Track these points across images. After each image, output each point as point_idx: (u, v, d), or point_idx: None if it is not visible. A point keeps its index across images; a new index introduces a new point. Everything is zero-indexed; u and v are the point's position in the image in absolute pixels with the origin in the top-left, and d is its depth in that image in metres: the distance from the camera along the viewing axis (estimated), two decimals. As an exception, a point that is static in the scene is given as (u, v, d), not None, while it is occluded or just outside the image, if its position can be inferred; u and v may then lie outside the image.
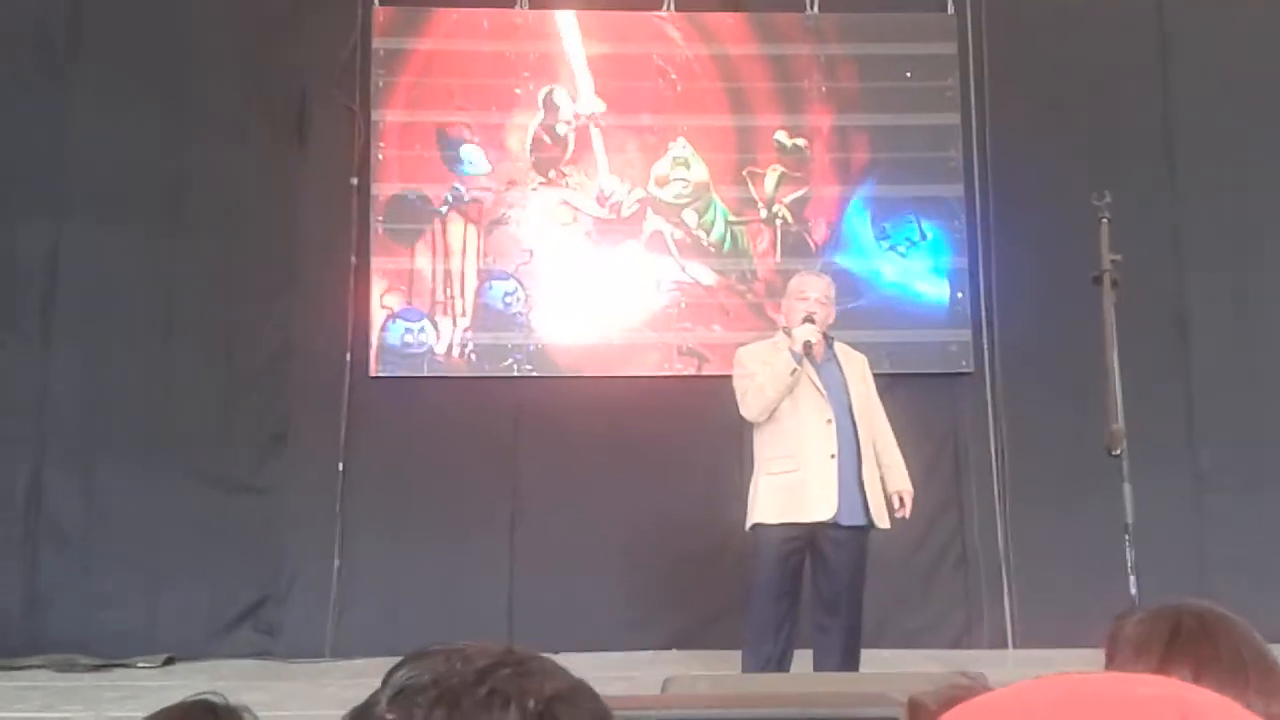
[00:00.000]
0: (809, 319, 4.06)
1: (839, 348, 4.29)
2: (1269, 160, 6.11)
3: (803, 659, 4.17)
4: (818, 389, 4.08)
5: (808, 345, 4.02)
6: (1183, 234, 6.08)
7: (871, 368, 4.37)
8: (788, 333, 4.17)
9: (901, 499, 4.15)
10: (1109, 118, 6.12)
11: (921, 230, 6.07)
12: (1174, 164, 6.13)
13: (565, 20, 6.07)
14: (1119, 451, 3.43)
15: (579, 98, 6.03)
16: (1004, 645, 5.65)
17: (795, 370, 4.02)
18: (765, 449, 4.14)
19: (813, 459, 4.00)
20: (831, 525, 3.99)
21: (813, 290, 4.18)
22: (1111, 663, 1.15)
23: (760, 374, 4.09)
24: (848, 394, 4.12)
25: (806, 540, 4.04)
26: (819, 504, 3.97)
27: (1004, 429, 5.84)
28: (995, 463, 5.82)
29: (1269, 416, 5.90)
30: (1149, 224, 5.92)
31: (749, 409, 4.12)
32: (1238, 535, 5.80)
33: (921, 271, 6.05)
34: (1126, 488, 3.49)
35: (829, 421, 4.04)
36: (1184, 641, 1.11)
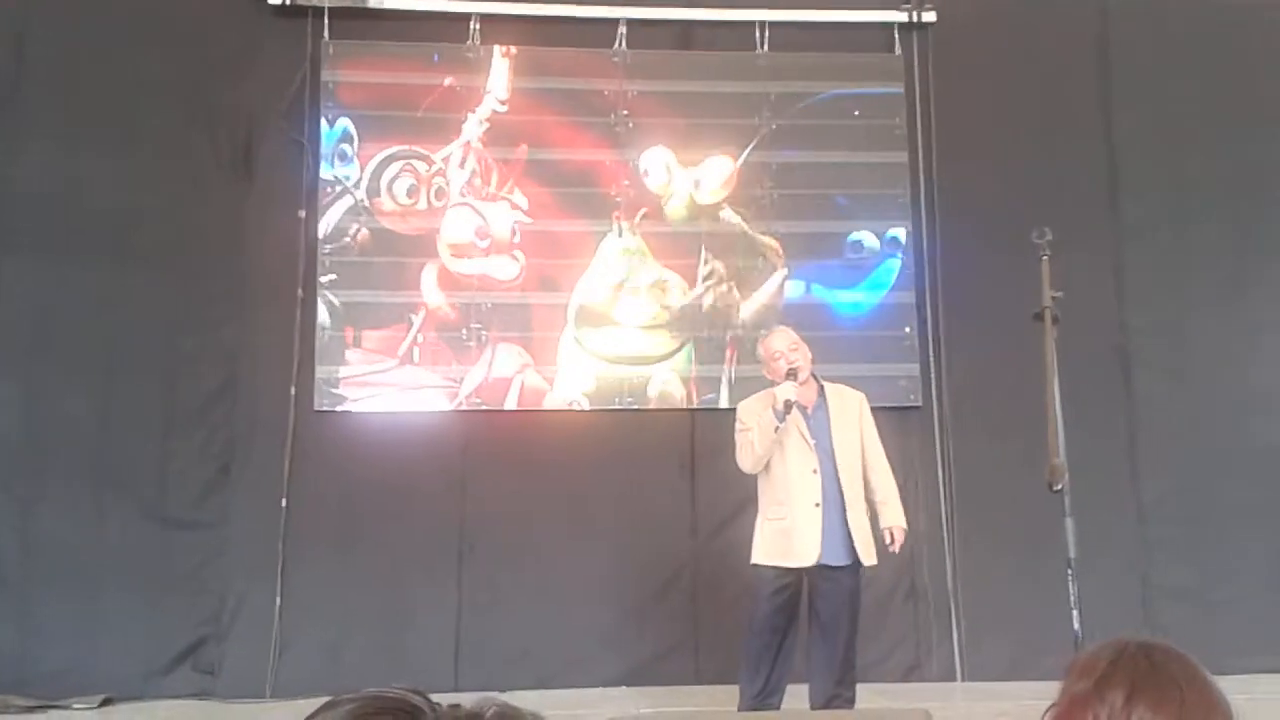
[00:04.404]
0: (791, 374, 4.28)
1: (831, 391, 4.49)
2: (1207, 195, 6.26)
3: (798, 694, 4.36)
4: (805, 440, 4.31)
5: (788, 404, 4.24)
6: (1124, 269, 6.19)
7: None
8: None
9: (893, 535, 4.40)
10: (1053, 155, 6.23)
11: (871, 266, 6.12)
12: (1116, 200, 6.26)
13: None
14: (1060, 487, 3.44)
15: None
16: (953, 678, 5.67)
17: (778, 428, 4.24)
18: (763, 495, 4.44)
19: (799, 507, 4.29)
20: (818, 566, 4.25)
21: (779, 344, 4.41)
22: (1063, 684, 1.27)
23: (754, 430, 4.33)
24: (832, 441, 4.34)
25: (797, 580, 4.30)
26: (805, 550, 4.24)
27: (952, 463, 5.88)
28: (944, 496, 5.86)
29: (1210, 448, 6.00)
30: (1092, 259, 6.03)
31: (742, 463, 4.43)
32: (1182, 566, 5.88)
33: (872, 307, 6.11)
34: (1068, 522, 3.50)
35: (814, 471, 4.31)
36: (1124, 663, 1.23)
